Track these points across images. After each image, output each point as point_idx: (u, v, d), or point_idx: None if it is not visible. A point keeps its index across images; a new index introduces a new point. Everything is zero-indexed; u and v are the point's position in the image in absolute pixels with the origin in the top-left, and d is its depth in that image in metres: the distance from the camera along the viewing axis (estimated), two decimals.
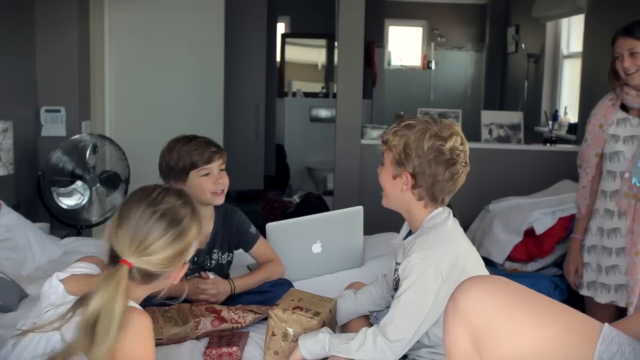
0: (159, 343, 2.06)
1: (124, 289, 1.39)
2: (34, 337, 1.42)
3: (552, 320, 1.42)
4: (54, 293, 1.48)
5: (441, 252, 1.79)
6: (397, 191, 1.87)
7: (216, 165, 2.36)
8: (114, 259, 1.44)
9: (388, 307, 1.99)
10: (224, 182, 2.38)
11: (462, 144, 1.86)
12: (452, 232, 1.87)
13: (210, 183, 2.34)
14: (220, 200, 2.39)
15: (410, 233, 1.95)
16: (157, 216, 1.44)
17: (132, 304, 1.44)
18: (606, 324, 1.43)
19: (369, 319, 2.15)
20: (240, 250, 2.60)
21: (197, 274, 2.39)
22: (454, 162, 1.83)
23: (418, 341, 1.84)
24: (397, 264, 1.97)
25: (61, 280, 1.48)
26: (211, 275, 2.35)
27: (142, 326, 1.41)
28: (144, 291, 1.51)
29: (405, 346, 1.78)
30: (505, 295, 1.45)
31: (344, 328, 2.13)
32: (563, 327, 1.42)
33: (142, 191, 1.51)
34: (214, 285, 2.33)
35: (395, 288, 1.96)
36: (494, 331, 1.42)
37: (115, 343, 1.35)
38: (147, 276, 1.45)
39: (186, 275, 2.40)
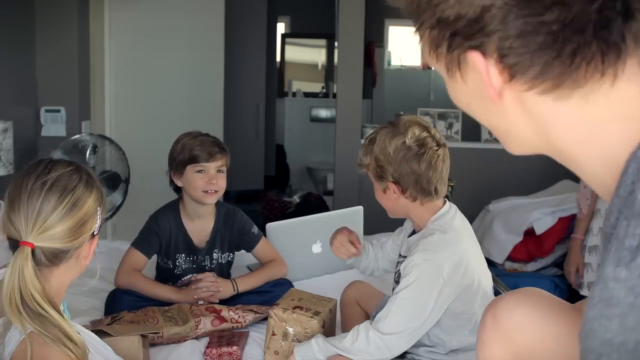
0: (158, 343, 2.06)
1: (30, 270, 1.27)
2: None
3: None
4: None
5: (445, 255, 1.77)
6: (392, 202, 1.87)
7: (214, 165, 2.36)
8: (15, 246, 1.32)
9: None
10: (219, 183, 2.36)
11: (424, 129, 1.82)
12: (458, 233, 1.84)
13: (203, 181, 2.33)
14: (210, 199, 2.37)
15: (414, 231, 1.95)
16: (46, 187, 1.32)
17: (60, 323, 1.28)
18: None
19: (369, 319, 2.15)
20: (241, 250, 2.60)
21: (191, 276, 2.40)
22: (423, 151, 1.79)
23: (418, 340, 1.84)
24: (401, 256, 1.96)
25: None
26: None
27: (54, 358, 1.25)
28: (58, 277, 1.37)
29: (399, 341, 1.77)
30: (551, 315, 1.40)
31: (345, 327, 2.13)
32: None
33: (28, 167, 1.39)
34: (214, 280, 2.32)
35: (397, 281, 1.96)
36: (540, 351, 1.38)
37: None
38: (55, 256, 1.33)
39: (184, 275, 2.41)
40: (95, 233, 1.41)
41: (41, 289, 1.29)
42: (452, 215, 1.87)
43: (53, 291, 1.35)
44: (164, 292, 2.34)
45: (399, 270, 1.92)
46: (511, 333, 1.38)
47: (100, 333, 1.73)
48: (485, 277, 1.88)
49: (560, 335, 1.39)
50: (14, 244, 1.32)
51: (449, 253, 1.78)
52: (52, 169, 1.36)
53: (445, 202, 1.89)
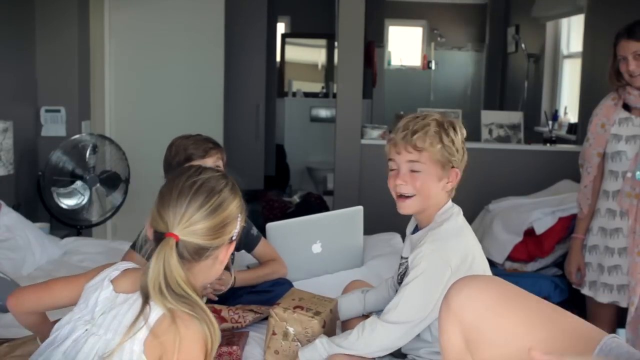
0: None
1: (175, 259, 1.37)
2: (89, 339, 1.39)
3: (543, 323, 1.40)
4: (104, 293, 1.44)
5: (452, 245, 1.79)
6: (439, 191, 1.85)
7: (211, 161, 2.35)
8: (159, 238, 1.42)
9: None
10: None
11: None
12: (462, 227, 1.87)
13: None
14: None
15: (416, 228, 1.95)
16: (196, 187, 1.44)
17: (204, 308, 1.38)
18: (610, 335, 1.40)
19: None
20: (241, 250, 2.59)
21: None
22: (465, 149, 1.88)
23: (419, 336, 1.84)
24: (403, 258, 1.97)
25: (112, 281, 1.45)
26: None
27: (196, 332, 1.35)
28: (196, 274, 1.46)
29: (406, 332, 1.77)
30: (497, 295, 1.43)
31: (345, 327, 2.13)
32: (555, 331, 1.39)
33: (180, 170, 1.53)
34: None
35: (400, 282, 1.95)
36: (485, 331, 1.40)
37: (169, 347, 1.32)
38: (196, 252, 1.42)
39: None
40: (233, 239, 1.50)
41: (185, 277, 1.38)
42: (457, 211, 1.89)
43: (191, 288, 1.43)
44: None
45: (402, 271, 1.93)
46: (459, 314, 1.41)
47: None
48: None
49: (504, 314, 1.40)
50: (159, 237, 1.42)
51: (457, 243, 1.80)
52: (203, 172, 1.49)
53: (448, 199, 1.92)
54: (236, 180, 1.55)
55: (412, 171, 1.83)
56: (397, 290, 1.97)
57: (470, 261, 1.80)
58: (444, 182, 1.85)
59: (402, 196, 1.85)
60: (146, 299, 1.37)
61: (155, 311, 1.36)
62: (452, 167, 1.84)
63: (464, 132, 1.87)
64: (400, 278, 1.96)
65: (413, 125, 1.82)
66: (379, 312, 2.11)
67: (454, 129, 1.84)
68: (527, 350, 1.34)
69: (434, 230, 1.82)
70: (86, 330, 1.41)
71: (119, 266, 1.50)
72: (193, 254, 1.42)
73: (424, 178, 1.82)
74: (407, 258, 1.92)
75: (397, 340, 1.79)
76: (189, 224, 1.41)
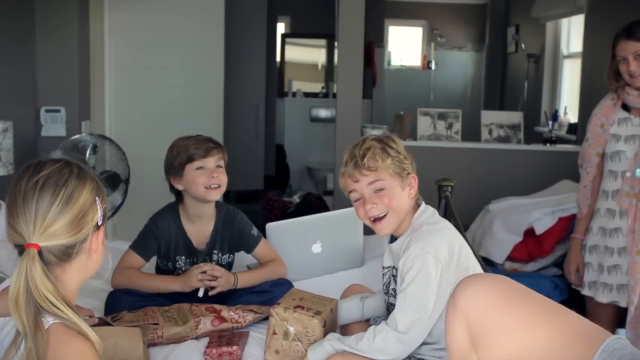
0: (158, 343, 2.06)
1: (38, 271, 1.27)
2: None
3: (546, 321, 1.41)
4: None
5: (437, 241, 1.83)
6: (406, 200, 1.91)
7: (212, 160, 2.36)
8: (22, 252, 1.32)
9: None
10: (220, 178, 2.36)
11: None
12: (440, 223, 1.93)
13: (204, 177, 2.33)
14: (214, 195, 2.37)
15: (392, 237, 1.97)
16: (39, 187, 1.32)
17: (67, 315, 1.29)
18: (614, 336, 1.39)
19: (368, 322, 2.16)
20: (241, 251, 2.60)
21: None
22: (409, 155, 1.97)
23: None
24: (385, 268, 2.00)
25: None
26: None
27: (79, 348, 1.27)
28: (71, 275, 1.37)
29: (417, 332, 1.79)
30: (502, 293, 1.44)
31: (344, 329, 2.13)
32: (558, 330, 1.40)
33: (19, 172, 1.39)
34: (211, 268, 2.33)
35: (386, 292, 1.99)
36: (488, 328, 1.41)
37: None
38: (63, 253, 1.33)
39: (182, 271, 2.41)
40: (99, 224, 1.40)
41: (53, 288, 1.29)
42: (431, 211, 1.95)
43: (67, 291, 1.35)
44: (162, 282, 2.34)
45: (386, 281, 1.97)
46: (465, 311, 1.43)
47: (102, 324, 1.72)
48: (479, 268, 1.93)
49: (508, 312, 1.41)
50: (22, 250, 1.32)
51: (441, 239, 1.84)
52: (42, 168, 1.36)
53: (419, 204, 1.97)
54: (83, 162, 1.43)
55: (376, 192, 1.87)
56: (387, 299, 1.98)
57: (457, 252, 1.85)
58: (407, 190, 1.90)
59: (376, 219, 1.89)
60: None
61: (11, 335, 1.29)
62: (408, 173, 1.91)
63: (401, 141, 1.96)
64: (386, 287, 1.99)
65: (358, 151, 1.89)
66: (377, 318, 2.12)
67: (393, 141, 1.93)
68: (527, 348, 1.35)
69: (416, 232, 1.87)
70: None
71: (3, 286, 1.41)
72: (61, 256, 1.33)
73: (389, 193, 1.87)
74: (389, 267, 1.97)
75: (413, 342, 1.81)
76: (45, 227, 1.31)
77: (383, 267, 2.03)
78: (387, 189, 1.87)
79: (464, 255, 1.87)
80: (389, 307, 1.98)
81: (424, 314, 1.78)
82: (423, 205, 1.96)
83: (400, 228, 1.93)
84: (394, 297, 1.92)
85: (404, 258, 1.83)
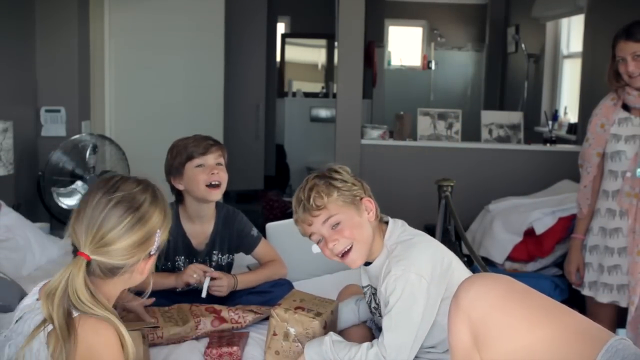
0: (158, 343, 2.06)
1: (80, 280, 1.32)
2: (5, 346, 1.39)
3: (549, 321, 1.40)
4: (26, 301, 1.43)
5: (416, 257, 1.78)
6: (368, 226, 1.85)
7: (212, 158, 2.35)
8: (76, 252, 1.38)
9: None
10: (220, 175, 2.34)
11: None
12: (414, 236, 1.87)
13: (204, 175, 2.32)
14: (215, 194, 2.35)
15: (367, 262, 1.92)
16: (112, 204, 1.37)
17: (101, 313, 1.35)
18: (617, 337, 1.39)
19: (366, 323, 2.15)
20: (241, 252, 2.59)
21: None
22: (357, 179, 1.90)
23: None
24: (364, 287, 1.98)
25: (40, 289, 1.43)
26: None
27: (106, 332, 1.33)
28: (111, 287, 1.43)
29: (409, 356, 1.77)
30: (504, 293, 1.44)
31: (342, 332, 2.13)
32: (561, 330, 1.39)
33: (99, 182, 1.45)
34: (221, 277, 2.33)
35: (371, 311, 1.98)
36: (491, 327, 1.41)
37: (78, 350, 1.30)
38: (110, 271, 1.38)
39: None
40: (152, 253, 1.45)
41: (90, 296, 1.34)
42: (400, 225, 1.89)
43: (105, 296, 1.40)
44: (156, 277, 2.32)
45: (368, 300, 1.95)
46: (467, 310, 1.43)
47: None
48: (464, 270, 1.89)
49: (510, 311, 1.41)
50: (75, 252, 1.38)
51: (419, 253, 1.79)
52: (120, 187, 1.41)
53: (387, 221, 1.91)
54: (158, 189, 1.47)
55: (333, 227, 1.82)
56: (373, 317, 1.99)
57: (440, 261, 1.81)
58: (365, 216, 1.84)
59: (343, 255, 1.83)
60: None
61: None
62: (361, 199, 1.85)
63: (346, 168, 1.89)
64: (369, 306, 1.98)
65: (303, 195, 1.83)
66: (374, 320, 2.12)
67: (335, 171, 1.86)
68: (530, 347, 1.35)
69: (393, 254, 1.82)
70: (5, 336, 1.40)
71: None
72: (106, 272, 1.38)
73: (347, 225, 1.81)
74: (367, 286, 1.95)
75: None
76: (102, 244, 1.35)
77: (362, 286, 2.00)
78: (343, 221, 1.80)
79: (446, 260, 1.82)
80: (375, 326, 1.98)
81: (409, 338, 1.75)
82: (391, 221, 1.90)
83: (373, 252, 1.87)
84: (379, 315, 1.90)
85: (385, 282, 1.79)
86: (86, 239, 1.35)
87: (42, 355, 1.31)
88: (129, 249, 1.38)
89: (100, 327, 1.32)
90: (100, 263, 1.36)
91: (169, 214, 1.47)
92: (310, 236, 1.87)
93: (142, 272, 1.45)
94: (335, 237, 1.81)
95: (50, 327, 1.31)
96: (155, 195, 1.44)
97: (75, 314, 1.33)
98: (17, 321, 1.41)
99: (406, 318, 1.75)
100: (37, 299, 1.40)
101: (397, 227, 1.89)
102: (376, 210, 1.87)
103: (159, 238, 1.44)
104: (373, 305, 1.95)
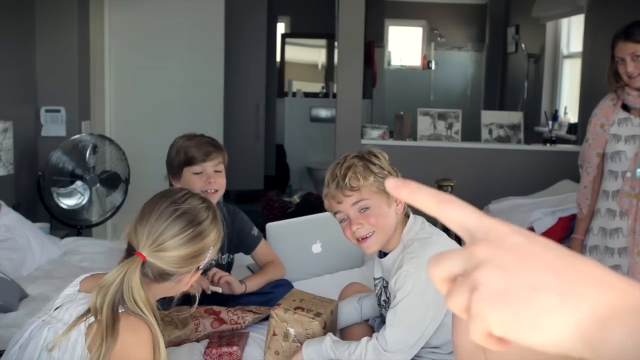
0: None
1: (137, 279, 1.39)
2: (43, 330, 1.43)
3: None
4: (67, 290, 1.49)
5: (431, 255, 1.77)
6: (393, 217, 1.83)
7: (211, 165, 2.33)
8: (130, 253, 1.45)
9: None
10: (218, 182, 2.33)
11: None
12: (432, 235, 1.86)
13: (202, 182, 2.31)
14: (212, 199, 2.35)
15: (382, 252, 1.92)
16: (177, 214, 1.46)
17: (147, 314, 1.41)
18: None
19: (368, 322, 2.16)
20: (240, 252, 2.59)
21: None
22: (394, 168, 1.90)
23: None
24: (376, 279, 1.97)
25: (81, 282, 1.49)
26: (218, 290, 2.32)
27: (143, 333, 1.39)
28: (155, 292, 1.50)
29: (408, 354, 1.77)
30: None
31: (344, 330, 2.13)
32: None
33: (166, 191, 1.55)
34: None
35: (379, 303, 1.97)
36: None
37: (114, 347, 1.34)
38: (160, 275, 1.45)
39: None
40: (200, 268, 1.53)
41: (145, 297, 1.40)
42: (420, 222, 1.88)
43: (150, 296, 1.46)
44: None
45: (378, 292, 1.95)
46: None
47: None
48: None
49: None
50: (130, 252, 1.45)
51: (434, 252, 1.77)
52: (187, 201, 1.50)
53: (409, 216, 1.90)
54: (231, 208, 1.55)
55: (361, 211, 1.80)
56: (380, 310, 1.98)
57: None
58: (394, 207, 1.83)
59: (362, 239, 1.82)
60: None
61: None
62: None
63: (385, 154, 1.88)
64: (378, 299, 1.97)
65: (339, 171, 1.81)
66: (375, 318, 2.12)
67: (375, 156, 1.84)
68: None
69: (409, 249, 1.80)
70: (43, 321, 1.45)
71: (96, 272, 1.54)
72: (156, 276, 1.45)
73: (375, 212, 1.80)
74: (379, 278, 1.94)
75: None
76: (160, 249, 1.43)
77: (374, 278, 1.99)
78: (372, 207, 1.79)
79: None
80: (383, 319, 1.98)
81: (409, 335, 1.75)
82: (412, 217, 1.88)
83: (390, 244, 1.86)
84: (385, 309, 1.90)
85: (396, 275, 1.79)
86: (146, 241, 1.43)
87: (78, 345, 1.36)
88: (182, 259, 1.45)
89: (139, 327, 1.38)
90: (154, 266, 1.43)
91: (222, 235, 1.56)
92: (335, 213, 1.87)
93: (187, 283, 1.52)
94: (360, 220, 1.80)
95: (91, 319, 1.37)
96: (215, 216, 1.54)
97: (120, 310, 1.38)
98: (56, 308, 1.45)
99: (410, 315, 1.75)
100: (78, 290, 1.46)
101: (417, 224, 1.87)
102: (404, 203, 1.85)
103: (210, 256, 1.52)
104: (383, 298, 1.94)
